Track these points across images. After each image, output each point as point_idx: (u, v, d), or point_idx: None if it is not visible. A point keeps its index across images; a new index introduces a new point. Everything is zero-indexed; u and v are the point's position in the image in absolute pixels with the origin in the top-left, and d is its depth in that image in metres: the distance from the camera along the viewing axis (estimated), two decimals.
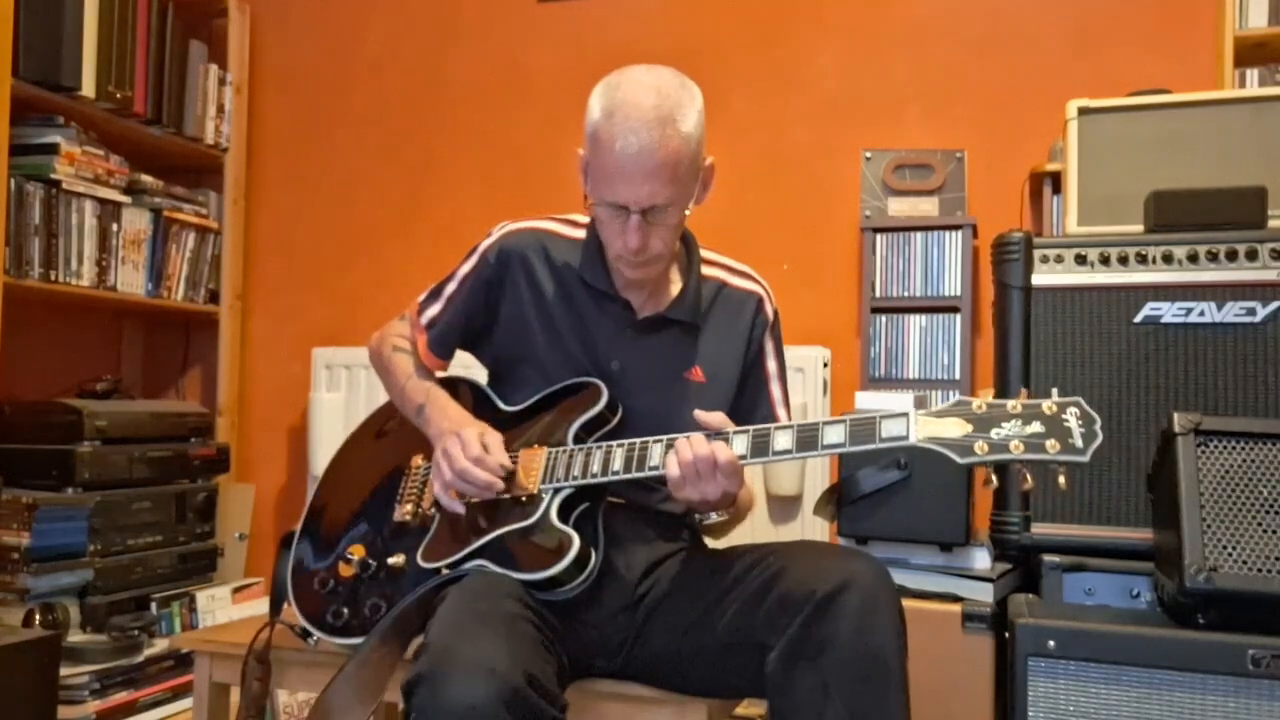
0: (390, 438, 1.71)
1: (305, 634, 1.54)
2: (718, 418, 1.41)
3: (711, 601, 1.43)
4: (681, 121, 1.44)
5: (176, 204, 2.96)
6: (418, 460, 1.63)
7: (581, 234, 1.64)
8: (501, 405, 1.64)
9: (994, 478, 1.32)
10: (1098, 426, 1.25)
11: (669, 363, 1.59)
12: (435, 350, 1.69)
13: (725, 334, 1.63)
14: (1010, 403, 1.28)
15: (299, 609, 1.56)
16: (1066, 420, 1.25)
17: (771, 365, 1.67)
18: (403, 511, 1.57)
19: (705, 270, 1.65)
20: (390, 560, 1.52)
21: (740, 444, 1.38)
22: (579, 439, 1.51)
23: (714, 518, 1.56)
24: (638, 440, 1.44)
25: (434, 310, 1.69)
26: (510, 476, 1.49)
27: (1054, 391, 1.29)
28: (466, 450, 1.47)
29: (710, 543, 1.66)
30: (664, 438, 1.43)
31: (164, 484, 2.69)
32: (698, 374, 1.59)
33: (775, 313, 1.69)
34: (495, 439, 1.52)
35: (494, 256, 1.63)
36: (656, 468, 1.41)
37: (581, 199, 1.56)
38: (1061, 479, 1.27)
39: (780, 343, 1.70)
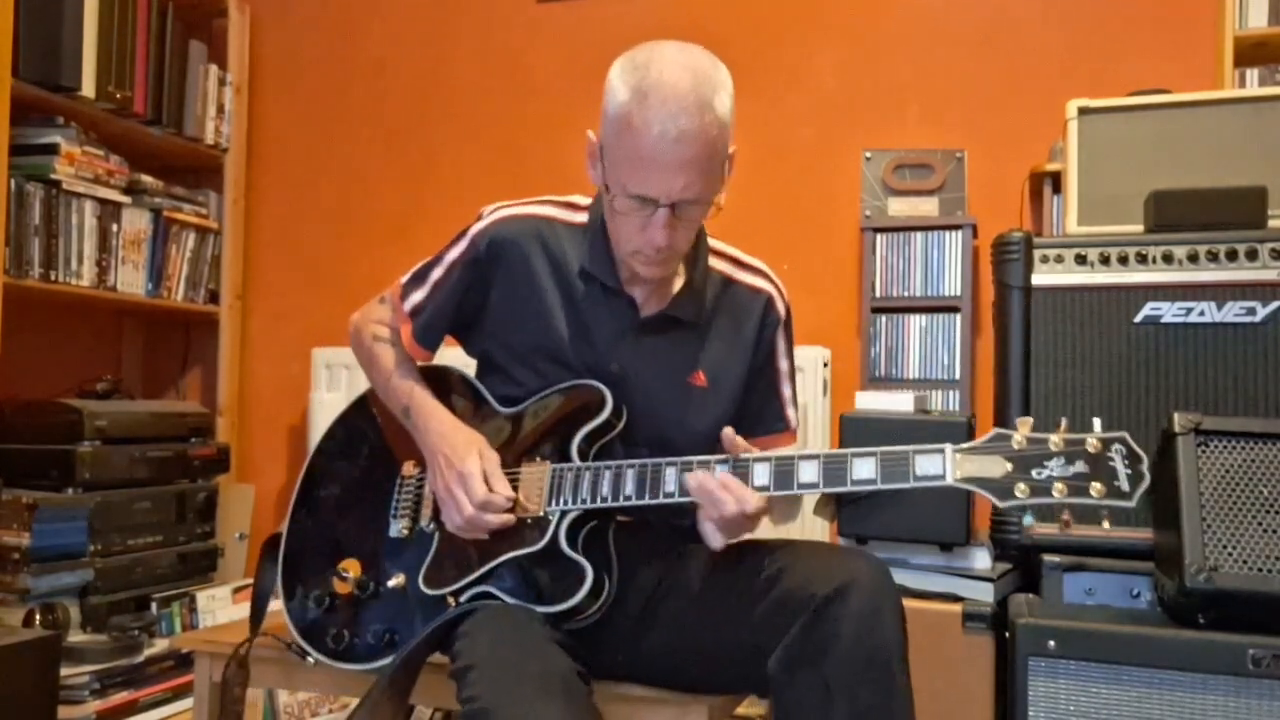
0: (377, 436, 1.61)
1: (303, 653, 1.49)
2: (741, 444, 1.35)
3: (711, 601, 1.40)
4: (719, 106, 1.34)
5: (176, 204, 2.96)
6: (409, 469, 1.55)
7: (582, 218, 1.52)
8: (495, 405, 1.54)
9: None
10: (1144, 467, 1.19)
11: (672, 367, 1.50)
12: (421, 341, 1.58)
13: (732, 337, 1.54)
14: (1052, 438, 1.22)
15: (294, 625, 1.50)
16: (1111, 460, 1.19)
17: (783, 364, 1.61)
18: (399, 527, 1.51)
19: (712, 262, 1.55)
20: (390, 582, 1.47)
21: (761, 473, 1.32)
22: (582, 451, 1.43)
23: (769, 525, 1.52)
24: (649, 461, 1.37)
25: (419, 297, 1.56)
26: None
27: (1096, 423, 1.22)
28: (471, 495, 1.40)
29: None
30: (678, 460, 1.36)
31: (164, 484, 2.69)
32: (700, 379, 1.50)
33: (787, 310, 1.60)
34: (494, 461, 1.44)
35: (485, 243, 1.51)
36: (672, 494, 1.35)
37: (581, 185, 1.47)
38: (1106, 522, 1.20)
39: (792, 341, 1.62)
